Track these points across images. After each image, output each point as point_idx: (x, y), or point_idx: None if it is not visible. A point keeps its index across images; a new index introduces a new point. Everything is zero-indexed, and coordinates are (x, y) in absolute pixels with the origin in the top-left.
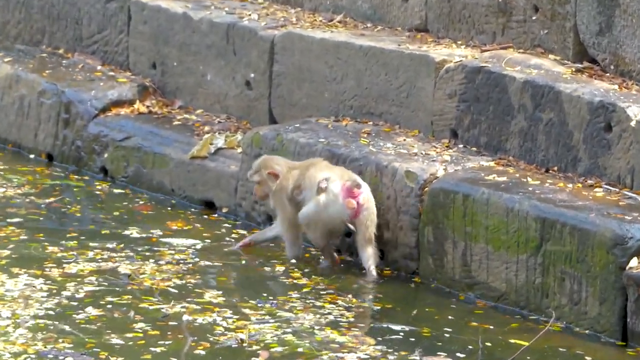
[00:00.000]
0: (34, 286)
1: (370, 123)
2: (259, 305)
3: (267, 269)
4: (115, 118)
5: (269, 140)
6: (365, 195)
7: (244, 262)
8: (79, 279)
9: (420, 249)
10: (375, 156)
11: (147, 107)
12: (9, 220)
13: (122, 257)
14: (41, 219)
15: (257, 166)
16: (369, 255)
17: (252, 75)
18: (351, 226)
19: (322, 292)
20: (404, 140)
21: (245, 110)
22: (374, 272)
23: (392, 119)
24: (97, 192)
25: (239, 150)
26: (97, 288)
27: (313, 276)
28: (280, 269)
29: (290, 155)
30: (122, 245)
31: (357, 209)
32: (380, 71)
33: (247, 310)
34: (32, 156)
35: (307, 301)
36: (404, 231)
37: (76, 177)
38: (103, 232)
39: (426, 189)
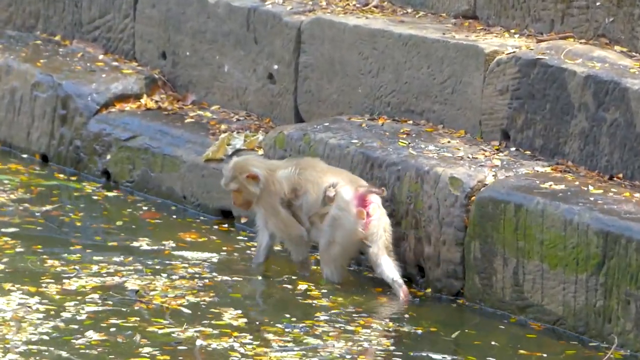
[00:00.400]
0: (28, 306)
1: (410, 122)
2: (286, 329)
3: (288, 286)
4: (120, 115)
5: (295, 141)
6: (375, 205)
7: (259, 277)
8: (79, 297)
9: (466, 266)
10: (416, 160)
11: (156, 102)
12: (3, 230)
13: (130, 272)
14: (38, 228)
15: (232, 171)
16: (391, 268)
17: (276, 67)
18: (368, 242)
19: (354, 315)
20: (449, 142)
21: (268, 106)
22: (404, 286)
23: (435, 117)
24: (99, 199)
25: (260, 152)
26: (101, 308)
27: (332, 296)
28: (302, 286)
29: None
30: (130, 259)
31: (367, 221)
32: (422, 63)
33: (269, 335)
34: (24, 156)
35: (337, 325)
36: (447, 246)
37: (75, 181)
38: (109, 243)
39: (473, 198)
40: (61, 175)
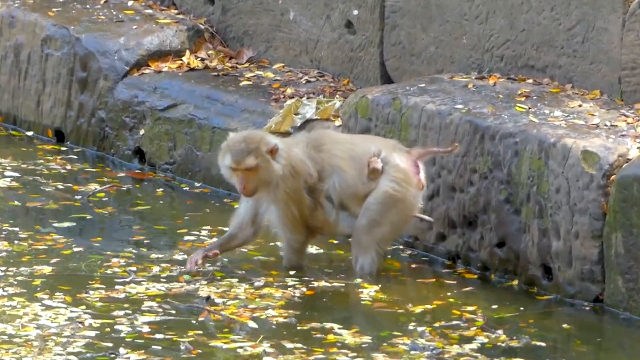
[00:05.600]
0: (79, 321)
1: (530, 81)
2: (412, 351)
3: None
4: (156, 77)
5: (382, 108)
6: (423, 171)
7: (358, 280)
8: (127, 305)
9: (606, 265)
10: (538, 130)
11: (202, 60)
12: (40, 216)
13: (196, 276)
14: (89, 217)
15: (248, 143)
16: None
17: (356, 12)
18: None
19: (459, 325)
20: (580, 105)
21: (346, 63)
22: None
23: (562, 74)
24: (133, 186)
25: (337, 122)
26: (156, 318)
27: (420, 304)
28: (368, 290)
29: (412, 130)
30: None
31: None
32: (544, 5)
33: (379, 356)
34: (30, 134)
35: (449, 334)
36: (580, 239)
37: (99, 163)
38: (167, 237)
39: (613, 177)
40: (96, 164)
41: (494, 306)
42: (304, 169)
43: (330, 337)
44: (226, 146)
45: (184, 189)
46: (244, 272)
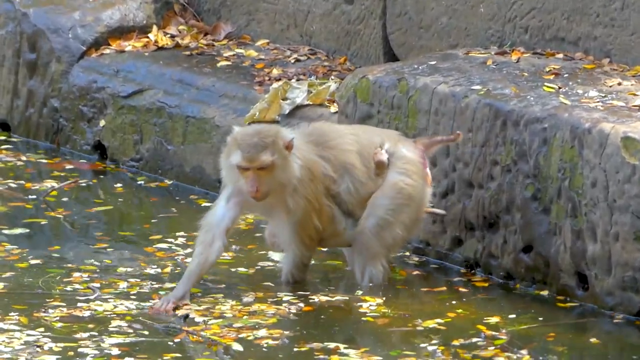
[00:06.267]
0: (38, 345)
1: (560, 56)
2: None
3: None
4: (118, 58)
5: (386, 91)
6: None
7: (359, 292)
8: (92, 326)
9: None
10: (570, 114)
11: (172, 37)
12: None
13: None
14: (44, 222)
15: (263, 137)
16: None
17: None
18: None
19: (479, 342)
20: (619, 84)
21: (342, 38)
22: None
23: (598, 48)
24: (91, 181)
25: (333, 108)
26: (125, 340)
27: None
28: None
29: (422, 116)
30: (168, 269)
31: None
32: None
33: None
34: None
35: (463, 355)
36: (621, 242)
37: (52, 159)
38: (134, 245)
39: None
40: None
41: (518, 320)
42: (320, 170)
43: (335, 358)
44: (234, 141)
45: (139, 182)
46: (224, 285)
